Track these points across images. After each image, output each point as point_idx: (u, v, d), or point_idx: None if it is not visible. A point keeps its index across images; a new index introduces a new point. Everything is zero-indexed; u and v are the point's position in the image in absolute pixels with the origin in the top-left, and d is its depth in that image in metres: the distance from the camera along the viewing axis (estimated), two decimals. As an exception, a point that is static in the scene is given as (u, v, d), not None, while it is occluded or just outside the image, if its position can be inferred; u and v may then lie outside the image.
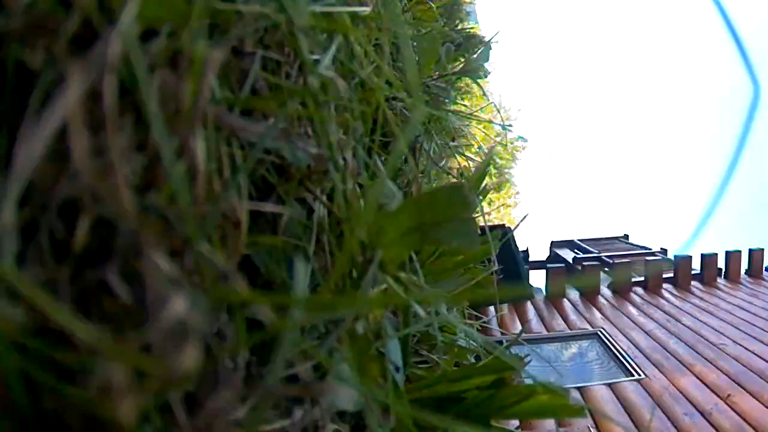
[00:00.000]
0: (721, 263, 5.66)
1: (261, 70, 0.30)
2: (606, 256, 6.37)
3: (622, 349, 3.72)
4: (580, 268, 5.91)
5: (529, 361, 0.46)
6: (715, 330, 3.99)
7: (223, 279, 0.23)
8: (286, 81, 0.32)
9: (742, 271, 5.76)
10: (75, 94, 0.18)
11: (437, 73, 0.83)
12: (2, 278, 0.16)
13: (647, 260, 6.12)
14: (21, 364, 0.17)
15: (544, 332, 4.21)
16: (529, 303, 4.72)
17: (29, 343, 0.17)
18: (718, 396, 2.97)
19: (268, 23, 0.29)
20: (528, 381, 0.40)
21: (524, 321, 4.38)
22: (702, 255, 5.60)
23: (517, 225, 1.19)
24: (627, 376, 3.33)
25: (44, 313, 0.16)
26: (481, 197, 0.81)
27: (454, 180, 1.00)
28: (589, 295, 4.97)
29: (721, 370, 3.29)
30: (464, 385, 0.42)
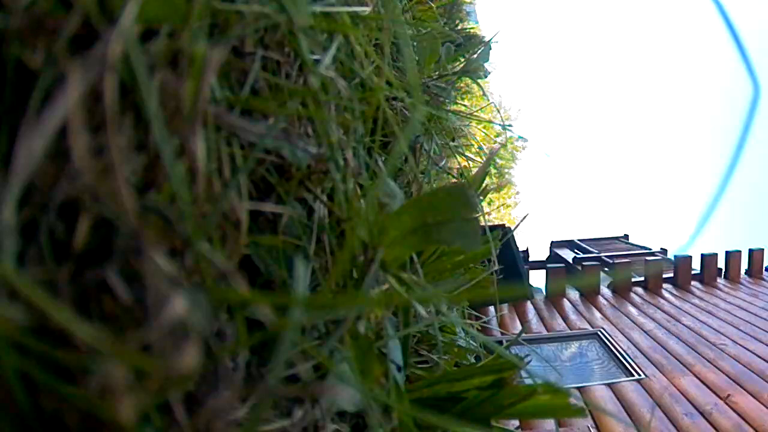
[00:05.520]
0: (721, 263, 5.66)
1: (261, 70, 0.30)
2: (606, 256, 6.37)
3: (622, 349, 3.72)
4: (580, 268, 5.91)
5: (529, 361, 0.46)
6: (715, 330, 3.99)
7: (223, 279, 0.23)
8: (286, 81, 0.32)
9: (742, 271, 5.75)
10: (75, 94, 0.18)
11: (437, 73, 0.83)
12: (2, 278, 0.16)
13: (647, 260, 6.11)
14: (21, 364, 0.17)
15: (544, 332, 4.20)
16: (529, 303, 4.72)
17: (29, 343, 0.17)
18: (718, 396, 2.97)
19: (268, 23, 0.29)
20: (528, 381, 0.40)
21: (524, 321, 4.38)
22: (702, 255, 5.60)
23: (517, 225, 1.19)
24: (627, 376, 3.32)
25: (44, 313, 0.16)
26: (481, 197, 0.81)
27: (455, 180, 0.99)
28: (589, 295, 4.97)
29: (721, 370, 3.29)
30: (464, 385, 0.42)
